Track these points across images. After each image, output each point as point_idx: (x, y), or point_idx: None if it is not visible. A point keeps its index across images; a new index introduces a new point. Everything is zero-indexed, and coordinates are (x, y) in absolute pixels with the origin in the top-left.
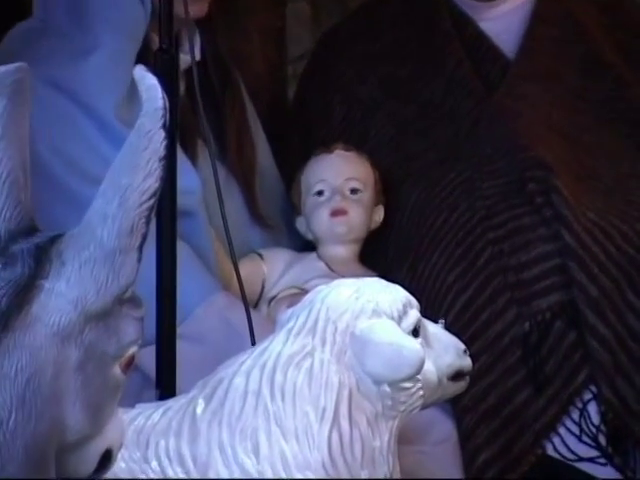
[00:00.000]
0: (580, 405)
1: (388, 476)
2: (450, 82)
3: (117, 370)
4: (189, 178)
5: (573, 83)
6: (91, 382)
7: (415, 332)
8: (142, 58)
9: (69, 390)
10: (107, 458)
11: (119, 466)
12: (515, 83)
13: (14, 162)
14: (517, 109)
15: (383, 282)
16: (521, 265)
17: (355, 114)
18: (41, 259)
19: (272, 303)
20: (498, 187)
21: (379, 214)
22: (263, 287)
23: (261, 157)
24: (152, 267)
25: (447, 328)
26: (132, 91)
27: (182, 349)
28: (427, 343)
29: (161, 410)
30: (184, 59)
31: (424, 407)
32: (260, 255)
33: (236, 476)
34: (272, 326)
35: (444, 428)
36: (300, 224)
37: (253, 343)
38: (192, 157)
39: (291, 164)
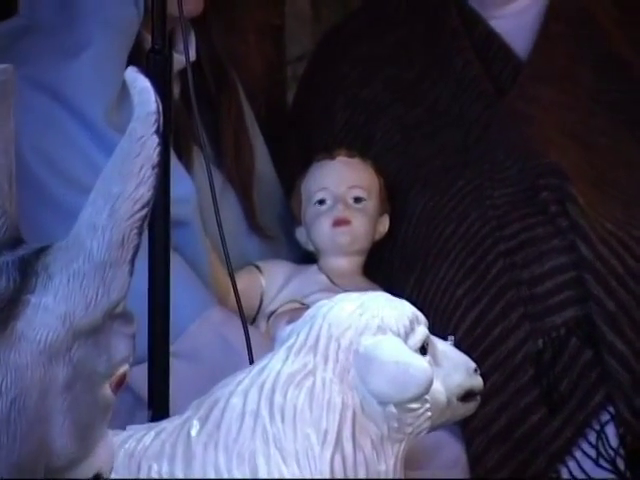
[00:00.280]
0: (597, 427)
1: None
2: (459, 84)
3: (107, 390)
4: (183, 186)
5: (589, 84)
6: (80, 402)
7: (423, 350)
8: (134, 59)
9: (56, 411)
10: None
11: None
12: (527, 85)
13: None
14: (530, 112)
15: (388, 296)
16: (534, 278)
17: (358, 118)
18: (27, 272)
19: (271, 319)
20: (510, 195)
21: (384, 224)
22: (261, 301)
23: (259, 163)
24: (144, 281)
25: (456, 345)
26: (123, 94)
27: (176, 367)
28: (435, 361)
29: (153, 432)
30: (178, 60)
31: (432, 429)
32: (258, 267)
33: None
34: (271, 343)
35: (453, 451)
36: (300, 234)
37: (251, 361)
38: (186, 163)
39: (291, 171)
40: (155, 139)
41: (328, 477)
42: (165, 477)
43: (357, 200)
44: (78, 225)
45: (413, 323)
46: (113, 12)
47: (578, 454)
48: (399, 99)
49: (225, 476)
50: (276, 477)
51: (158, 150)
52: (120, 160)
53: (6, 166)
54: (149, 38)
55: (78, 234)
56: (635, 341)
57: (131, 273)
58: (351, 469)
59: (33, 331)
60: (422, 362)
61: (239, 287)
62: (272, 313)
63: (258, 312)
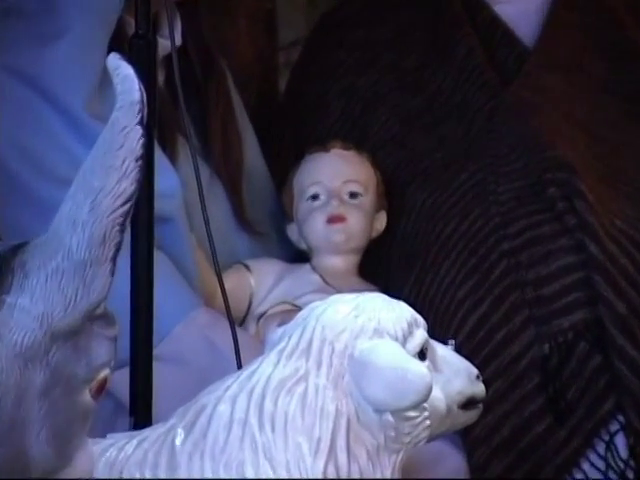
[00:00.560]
0: (606, 437)
1: None
2: (461, 72)
3: (87, 395)
4: (168, 179)
5: (599, 74)
6: (58, 409)
7: (421, 354)
8: (116, 45)
9: (33, 417)
10: None
11: None
12: (534, 73)
13: None
14: (536, 103)
15: (385, 298)
16: (540, 279)
17: (354, 108)
18: (2, 271)
19: (261, 321)
20: (515, 191)
21: (381, 221)
22: (250, 302)
23: (249, 156)
24: (126, 280)
25: (457, 350)
26: (105, 82)
27: (159, 372)
28: (435, 367)
29: (135, 441)
30: (163, 45)
31: (431, 439)
32: (247, 266)
33: None
34: (260, 346)
35: (453, 462)
36: (292, 232)
37: (239, 366)
38: (171, 156)
39: (283, 164)
40: (139, 130)
41: None
42: None
43: (353, 195)
44: (57, 221)
45: (412, 326)
46: None
47: (586, 466)
48: (398, 88)
49: None
50: None
51: (142, 142)
52: (102, 152)
53: None
54: (132, 22)
55: (57, 230)
56: None
57: (112, 272)
58: None
59: (9, 333)
60: (421, 368)
61: (227, 287)
62: (262, 315)
63: (247, 314)
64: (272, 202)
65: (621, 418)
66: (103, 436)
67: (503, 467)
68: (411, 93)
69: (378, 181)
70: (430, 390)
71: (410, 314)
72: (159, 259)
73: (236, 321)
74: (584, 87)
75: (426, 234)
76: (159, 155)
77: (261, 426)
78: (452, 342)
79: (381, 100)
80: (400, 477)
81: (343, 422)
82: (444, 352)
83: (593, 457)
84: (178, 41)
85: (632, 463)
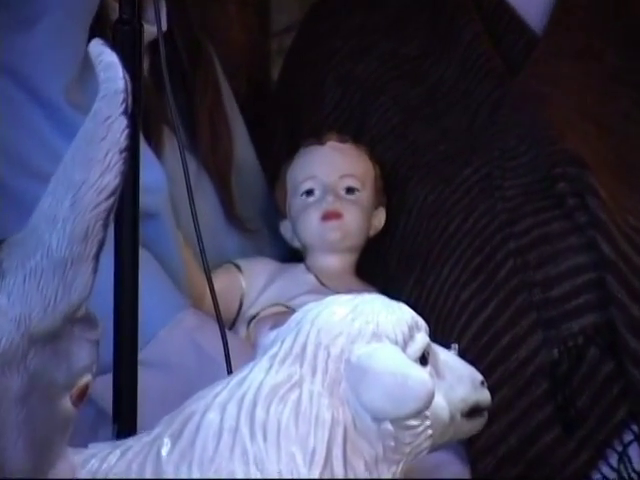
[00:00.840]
0: (619, 447)
1: None
2: (465, 60)
3: (67, 402)
4: (153, 173)
5: (612, 62)
6: (36, 416)
7: (423, 360)
8: (98, 30)
9: (10, 424)
10: None
11: None
12: (543, 61)
13: None
14: (545, 92)
15: (385, 299)
16: (549, 280)
17: (352, 98)
18: None
19: (252, 324)
20: (522, 186)
21: (380, 218)
22: (241, 304)
23: (239, 148)
24: (109, 280)
25: (461, 355)
26: (86, 70)
27: (144, 378)
28: (437, 373)
29: (119, 451)
30: (148, 30)
31: (433, 449)
32: (238, 266)
33: None
34: (252, 351)
35: (457, 473)
36: (285, 229)
37: (229, 371)
38: (156, 148)
39: (275, 157)
40: (123, 120)
41: None
42: None
43: (349, 191)
44: (36, 217)
45: (412, 329)
46: None
47: (597, 478)
48: (398, 77)
49: None
50: None
51: (126, 133)
52: (83, 144)
53: None
54: (115, 6)
55: (36, 227)
56: None
57: (95, 271)
58: None
59: None
60: (422, 373)
61: (216, 288)
62: (253, 317)
63: (237, 316)
64: (264, 198)
65: (635, 427)
66: (84, 446)
67: (509, 479)
68: (412, 82)
69: (376, 176)
70: (432, 397)
71: (411, 317)
72: (144, 257)
73: (226, 324)
74: (596, 75)
75: (428, 232)
76: (144, 147)
77: (252, 435)
78: (455, 346)
79: (380, 90)
80: None
81: (339, 431)
82: (447, 357)
83: (605, 469)
84: (163, 26)
85: None
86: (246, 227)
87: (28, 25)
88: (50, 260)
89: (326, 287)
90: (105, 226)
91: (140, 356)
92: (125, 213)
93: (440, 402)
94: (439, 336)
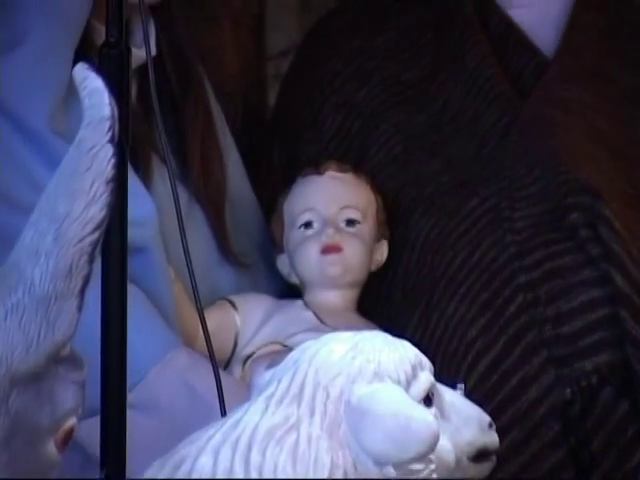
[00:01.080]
0: None
1: None
2: (471, 84)
3: (51, 447)
4: (142, 204)
5: (627, 84)
6: (18, 461)
7: (427, 400)
8: (83, 54)
9: None
10: None
11: None
12: (554, 85)
13: None
14: (556, 118)
15: (387, 337)
16: (561, 316)
17: (352, 125)
18: None
19: (247, 363)
20: (532, 217)
21: (382, 251)
22: (236, 343)
23: (233, 178)
24: (96, 317)
25: (468, 395)
26: (71, 96)
27: (134, 421)
28: (442, 414)
29: None
30: (136, 55)
31: None
32: (232, 303)
33: None
34: (247, 392)
35: None
36: (282, 264)
37: (223, 413)
38: (145, 178)
39: (271, 188)
40: (109, 149)
41: None
42: None
43: (350, 223)
44: (17, 251)
45: (416, 369)
46: None
47: None
48: (400, 103)
49: None
50: None
51: (113, 162)
52: (67, 174)
53: None
54: (101, 29)
55: (17, 262)
56: None
57: (80, 308)
58: None
59: None
60: (426, 415)
61: (209, 326)
62: (249, 357)
63: (232, 356)
64: (259, 230)
65: None
66: None
67: None
68: (415, 108)
69: (378, 207)
70: (436, 440)
71: (414, 355)
72: (133, 293)
73: (219, 364)
74: (610, 98)
75: (432, 266)
76: (132, 177)
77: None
78: (461, 386)
79: (381, 116)
80: None
81: (339, 475)
82: (453, 398)
83: None
84: (152, 50)
85: None
86: (241, 261)
87: (8, 49)
88: (32, 296)
89: (325, 324)
90: (90, 261)
91: (129, 398)
92: (112, 247)
93: (445, 445)
94: (444, 376)
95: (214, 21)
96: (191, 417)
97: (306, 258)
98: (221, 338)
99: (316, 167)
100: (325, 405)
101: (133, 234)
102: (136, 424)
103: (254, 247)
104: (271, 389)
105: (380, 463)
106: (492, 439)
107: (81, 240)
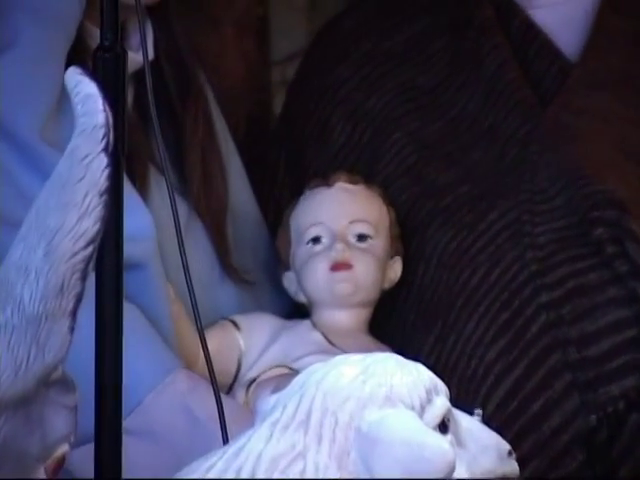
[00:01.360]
0: None
1: None
2: (490, 90)
3: (41, 475)
4: (139, 218)
5: None
6: None
7: (443, 427)
8: (75, 58)
9: None
10: None
11: None
12: (577, 91)
13: None
14: (580, 126)
15: (399, 359)
16: (586, 337)
17: (363, 134)
18: None
19: (251, 387)
20: (555, 232)
21: (395, 268)
22: (239, 366)
23: (235, 190)
24: (89, 338)
25: (486, 422)
26: (62, 102)
27: (130, 448)
28: (459, 442)
29: None
30: (132, 59)
31: None
32: (235, 323)
33: None
34: (250, 418)
35: None
36: (289, 281)
37: (225, 440)
38: (141, 190)
39: (277, 201)
40: (103, 159)
41: None
42: None
43: (361, 238)
44: (5, 268)
45: (431, 393)
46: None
47: None
48: (414, 110)
49: None
50: None
51: (107, 173)
52: (59, 186)
53: None
54: (95, 31)
55: (5, 279)
56: None
57: (72, 328)
58: None
59: None
60: (441, 443)
61: (210, 347)
62: (252, 381)
63: (235, 380)
64: (264, 246)
65: None
66: None
67: None
68: (430, 116)
69: (391, 221)
70: (452, 469)
71: (429, 379)
72: (129, 313)
73: (222, 388)
74: (637, 107)
75: (449, 284)
76: (127, 189)
77: None
78: (479, 412)
79: (394, 124)
80: None
81: None
82: (470, 424)
83: None
84: (150, 54)
85: None
86: (244, 279)
87: None
88: (22, 316)
89: (335, 346)
90: (83, 278)
91: (125, 424)
92: (106, 263)
93: (462, 475)
94: (461, 401)
95: (215, 23)
96: (191, 444)
97: (314, 276)
98: (223, 361)
99: (325, 178)
100: (334, 432)
101: (129, 249)
102: (133, 451)
103: (258, 264)
104: (276, 415)
105: None
106: (512, 468)
107: (73, 256)
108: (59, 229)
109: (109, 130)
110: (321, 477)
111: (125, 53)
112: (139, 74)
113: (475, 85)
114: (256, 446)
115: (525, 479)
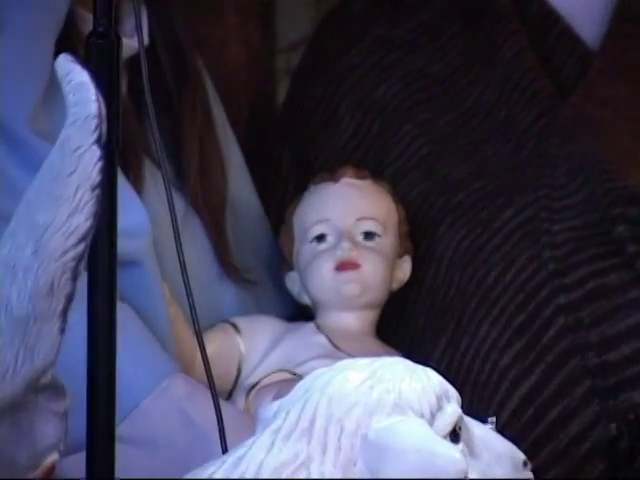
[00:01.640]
0: None
1: None
2: (506, 80)
3: None
4: (133, 213)
5: None
6: None
7: (454, 435)
8: (66, 45)
9: None
10: None
11: None
12: (599, 82)
13: None
14: (602, 118)
15: (409, 364)
16: (606, 341)
17: (371, 125)
18: None
19: (252, 393)
20: (574, 231)
21: (405, 268)
22: (239, 371)
23: (235, 184)
24: (81, 341)
25: (500, 430)
26: (52, 92)
27: (124, 456)
28: (471, 451)
29: None
30: (126, 45)
31: None
32: (235, 326)
33: None
34: (251, 425)
35: None
36: (292, 282)
37: (224, 449)
38: (136, 183)
39: (280, 196)
40: (96, 151)
41: None
42: None
43: (368, 236)
44: None
45: (441, 400)
46: None
47: None
48: (426, 100)
49: None
50: None
51: (99, 166)
52: (49, 179)
53: None
54: (86, 16)
55: None
56: None
57: (62, 330)
58: None
59: None
60: (452, 452)
61: (209, 351)
62: (253, 386)
63: (235, 385)
64: (266, 244)
65: None
66: None
67: None
68: (442, 107)
69: (400, 218)
70: (464, 479)
71: (439, 384)
72: (123, 313)
73: (221, 394)
74: None
75: (461, 285)
76: (122, 183)
77: None
78: (493, 420)
79: (404, 115)
80: None
81: None
82: (483, 433)
83: None
84: (145, 40)
85: None
86: (244, 278)
87: None
88: (9, 317)
89: (340, 350)
90: (74, 277)
91: (119, 431)
92: (99, 262)
93: None
94: (474, 408)
95: (217, 8)
96: (188, 452)
97: (319, 276)
98: (222, 365)
99: (331, 173)
100: (339, 440)
101: (123, 246)
102: (127, 460)
103: (259, 263)
104: (278, 422)
105: None
106: (527, 479)
107: (64, 254)
108: (49, 225)
109: (102, 121)
110: None
111: (120, 40)
112: (133, 60)
113: (490, 74)
114: (257, 455)
115: None
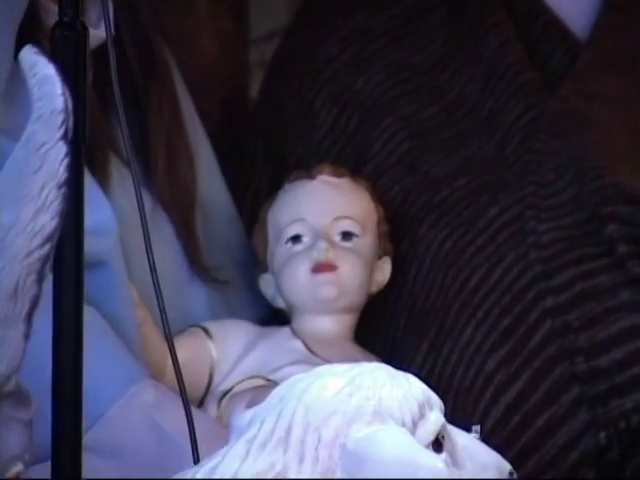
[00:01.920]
0: None
1: None
2: (491, 72)
3: None
4: (100, 212)
5: None
6: None
7: (437, 445)
8: (29, 36)
9: None
10: None
11: None
12: (587, 75)
13: None
14: (590, 113)
15: (390, 370)
16: (596, 346)
17: (350, 119)
18: None
19: (224, 400)
20: (562, 230)
21: (384, 270)
22: (211, 378)
23: (205, 182)
24: (46, 346)
25: (485, 439)
26: (15, 85)
27: (92, 465)
28: (455, 461)
29: None
30: (92, 35)
31: None
32: (207, 330)
33: None
34: (224, 434)
35: None
36: (266, 285)
37: (196, 459)
38: (102, 181)
39: (253, 195)
40: (62, 147)
41: None
42: None
43: (346, 236)
44: None
45: (423, 407)
46: None
47: None
48: (408, 92)
49: None
50: None
51: (66, 163)
52: (13, 177)
53: None
54: (50, 6)
55: None
56: None
57: (27, 335)
58: None
59: None
60: (435, 462)
61: (180, 357)
62: (226, 393)
63: (207, 392)
64: (238, 245)
65: None
66: None
67: None
68: (425, 99)
69: (380, 218)
70: None
71: (422, 391)
72: (89, 317)
73: (193, 401)
74: None
75: (444, 287)
76: (88, 180)
77: None
78: (477, 429)
79: (385, 108)
80: None
81: None
82: (467, 442)
83: None
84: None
85: None
86: (215, 279)
87: None
88: None
89: (317, 356)
90: (40, 279)
91: (86, 439)
92: (65, 263)
93: None
94: (458, 416)
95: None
96: (159, 463)
97: (294, 278)
98: (194, 371)
99: (307, 170)
100: (316, 450)
101: (90, 246)
102: (94, 470)
103: (232, 264)
104: (253, 431)
105: None
106: None
107: (29, 255)
108: (13, 225)
109: (68, 115)
110: None
111: (87, 31)
112: (97, 54)
113: (474, 66)
114: (231, 465)
115: None
